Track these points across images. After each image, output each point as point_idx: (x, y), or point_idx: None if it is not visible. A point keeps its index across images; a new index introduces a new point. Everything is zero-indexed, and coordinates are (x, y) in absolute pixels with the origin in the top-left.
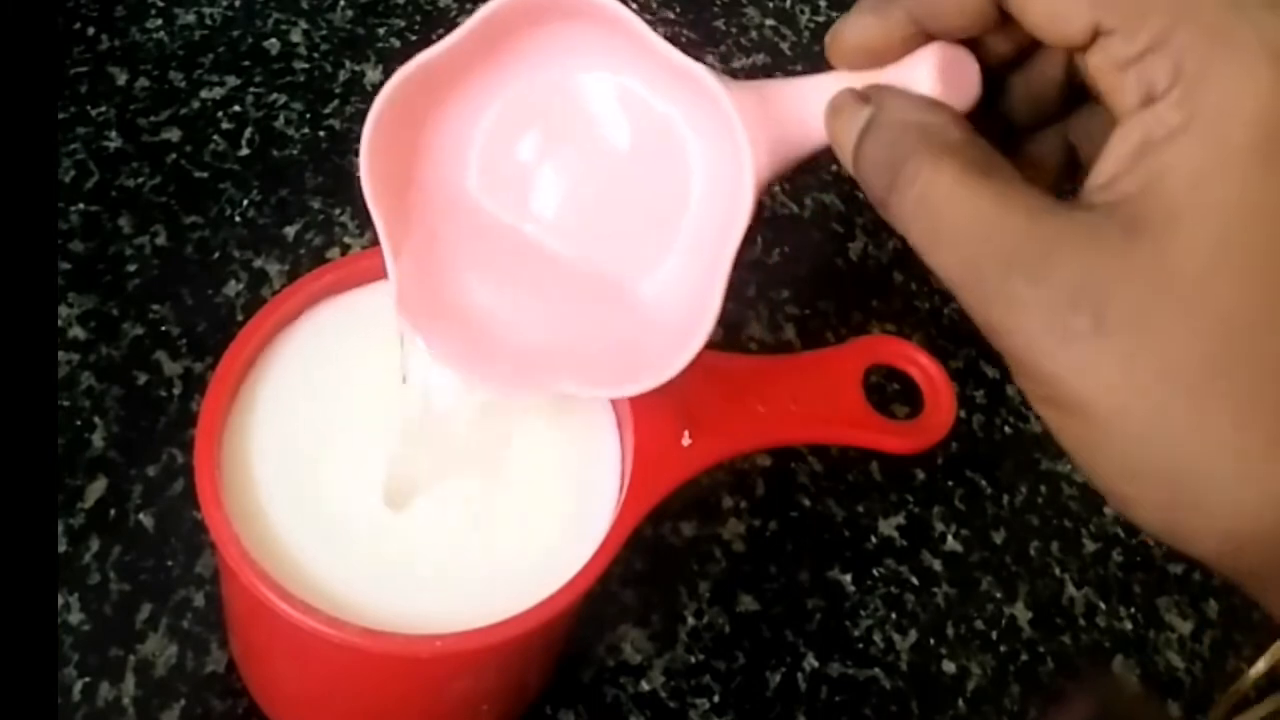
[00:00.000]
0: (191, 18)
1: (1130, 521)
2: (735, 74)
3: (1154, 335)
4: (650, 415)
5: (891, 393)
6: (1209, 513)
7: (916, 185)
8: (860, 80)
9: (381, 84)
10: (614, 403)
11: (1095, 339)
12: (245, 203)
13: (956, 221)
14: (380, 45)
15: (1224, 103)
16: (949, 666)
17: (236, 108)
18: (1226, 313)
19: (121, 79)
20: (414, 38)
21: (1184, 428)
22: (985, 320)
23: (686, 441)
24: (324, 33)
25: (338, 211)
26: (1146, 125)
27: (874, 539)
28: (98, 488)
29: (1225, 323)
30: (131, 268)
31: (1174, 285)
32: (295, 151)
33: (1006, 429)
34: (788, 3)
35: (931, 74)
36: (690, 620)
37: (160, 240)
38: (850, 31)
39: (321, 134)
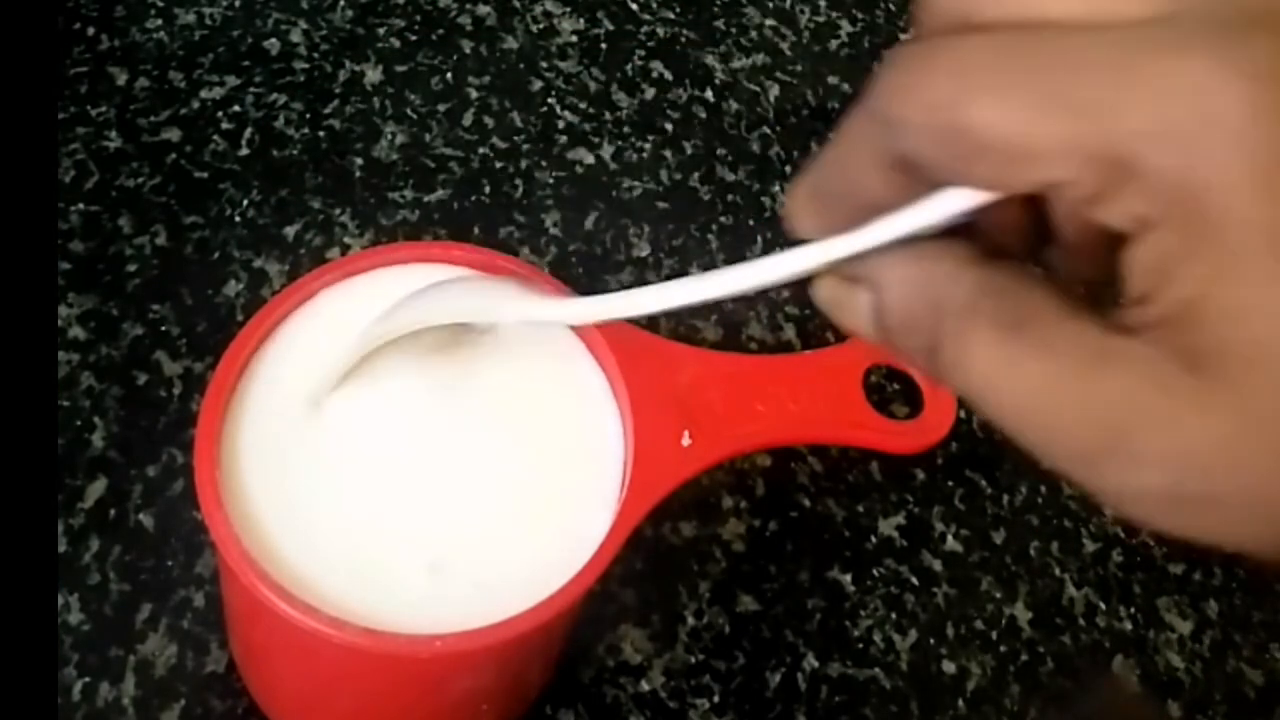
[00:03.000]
0: (191, 18)
1: None
2: (735, 74)
3: (1262, 474)
4: (650, 415)
5: (891, 393)
6: None
7: (956, 373)
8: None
9: (382, 84)
10: (615, 403)
11: (1212, 502)
12: (245, 203)
13: (1014, 407)
14: (380, 45)
15: (1223, 211)
16: (949, 666)
17: (236, 108)
18: None
19: (121, 79)
20: (414, 38)
21: None
22: (1090, 493)
23: (686, 441)
24: (324, 33)
25: (338, 211)
26: (1156, 248)
27: (874, 539)
28: (98, 488)
29: None
30: (131, 268)
31: (1262, 425)
32: (295, 151)
33: None
34: (788, 3)
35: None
36: (690, 620)
37: (160, 240)
38: (812, 232)
39: (321, 134)
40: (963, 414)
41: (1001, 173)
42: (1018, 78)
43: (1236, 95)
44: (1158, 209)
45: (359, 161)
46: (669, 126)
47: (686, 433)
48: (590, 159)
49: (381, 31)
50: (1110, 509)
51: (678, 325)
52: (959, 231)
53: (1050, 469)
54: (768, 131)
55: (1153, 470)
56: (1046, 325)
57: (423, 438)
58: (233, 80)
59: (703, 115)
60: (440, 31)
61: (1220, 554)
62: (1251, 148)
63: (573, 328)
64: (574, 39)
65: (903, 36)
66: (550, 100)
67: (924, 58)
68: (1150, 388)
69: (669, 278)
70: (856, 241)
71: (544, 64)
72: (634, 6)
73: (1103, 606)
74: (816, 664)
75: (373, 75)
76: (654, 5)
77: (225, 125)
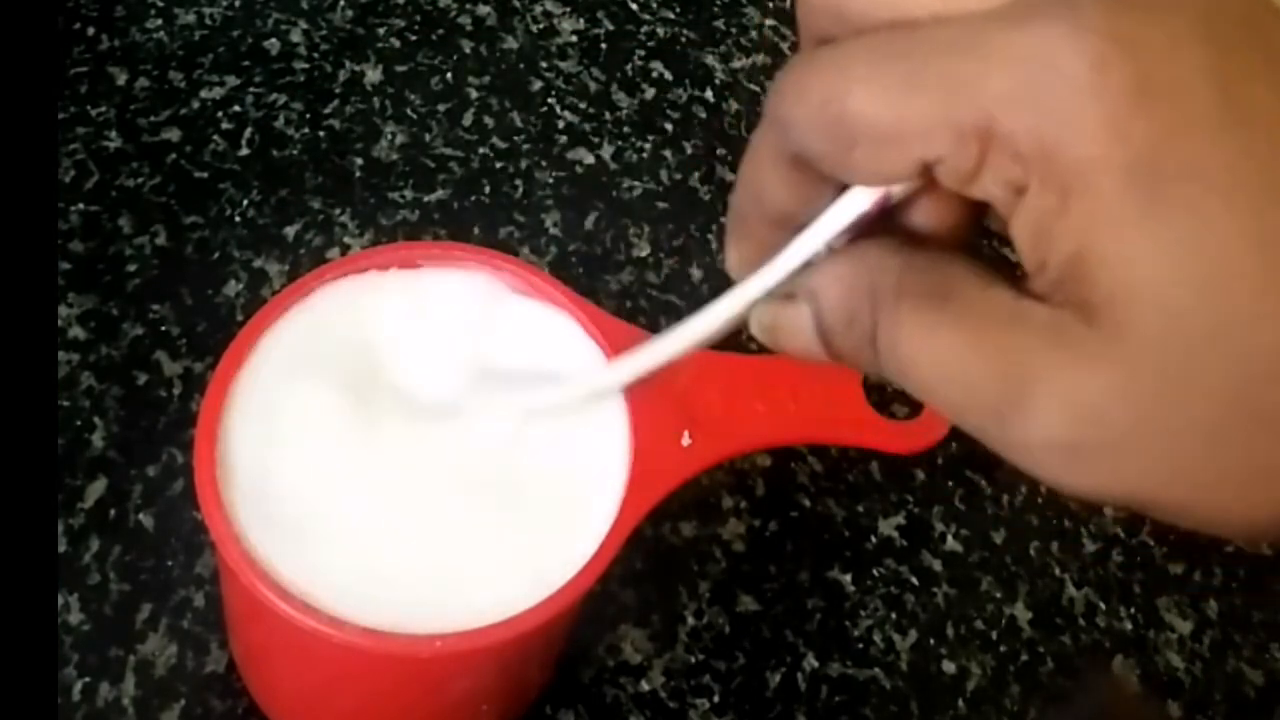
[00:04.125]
0: (191, 18)
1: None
2: (735, 74)
3: (1154, 419)
4: (650, 415)
5: (892, 393)
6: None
7: (890, 356)
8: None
9: (382, 84)
10: (614, 403)
11: (1109, 450)
12: (245, 203)
13: (933, 374)
14: (380, 45)
15: (1081, 160)
16: (949, 666)
17: (236, 108)
18: (1215, 380)
19: (121, 79)
20: (414, 38)
21: (1209, 491)
22: (1003, 454)
23: (686, 441)
24: (324, 33)
25: (338, 211)
26: (1032, 212)
27: (874, 539)
28: (98, 488)
29: (1214, 389)
30: (131, 268)
31: (1152, 371)
32: (295, 151)
33: None
34: (788, 3)
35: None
36: (690, 620)
37: (160, 240)
38: (742, 266)
39: (321, 134)
40: None
41: (881, 156)
42: (886, 66)
43: (1076, 50)
44: (1025, 171)
45: (359, 161)
46: (669, 126)
47: (686, 433)
48: (590, 159)
49: (381, 31)
50: (1023, 467)
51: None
52: (891, 224)
53: (968, 431)
54: None
55: (1052, 421)
56: (966, 296)
57: (423, 437)
58: (233, 80)
59: (703, 115)
60: (440, 31)
61: (1220, 554)
62: (1097, 96)
63: (571, 324)
64: (574, 39)
65: None
66: (550, 100)
67: (808, 62)
68: (1047, 342)
69: (669, 278)
70: (785, 262)
71: (544, 64)
72: (634, 6)
73: (1103, 606)
74: (816, 664)
75: (373, 75)
76: (654, 5)
77: (225, 125)
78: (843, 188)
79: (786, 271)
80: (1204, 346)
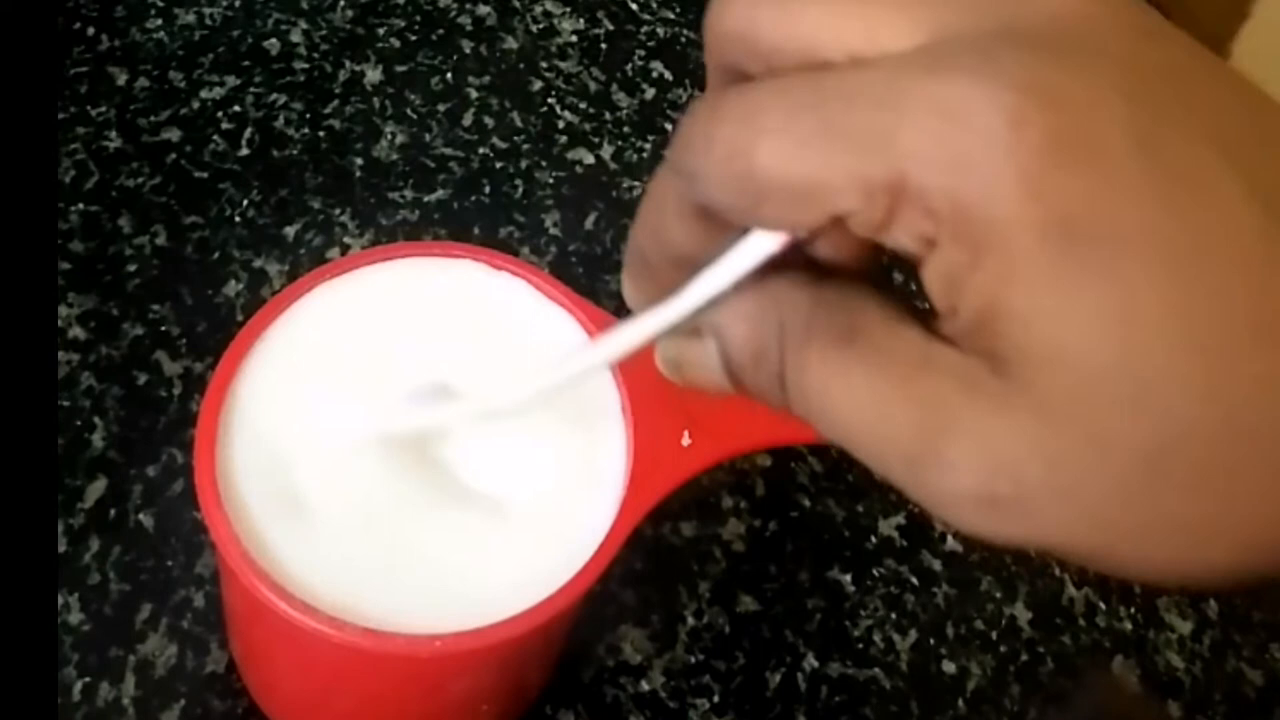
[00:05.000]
0: (191, 18)
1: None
2: None
3: (1070, 473)
4: (650, 415)
5: None
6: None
7: (798, 395)
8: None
9: (382, 84)
10: (614, 402)
11: (1025, 501)
12: (245, 203)
13: (843, 417)
14: (380, 45)
15: (994, 219)
16: (949, 666)
17: (236, 108)
18: (1131, 439)
19: (121, 79)
20: (414, 38)
21: (1131, 535)
22: (917, 501)
23: (686, 441)
24: (324, 33)
25: (338, 211)
26: (942, 264)
27: (874, 539)
28: (98, 488)
29: (1131, 448)
30: (131, 268)
31: (1066, 427)
32: (295, 151)
33: None
34: None
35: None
36: (690, 620)
37: (160, 240)
38: (641, 305)
39: (321, 134)
40: None
41: (791, 211)
42: (797, 117)
43: (994, 107)
44: (937, 227)
45: (359, 161)
46: (669, 126)
47: (686, 432)
48: (590, 159)
49: (381, 31)
50: (937, 515)
51: None
52: (799, 254)
53: (886, 480)
54: None
55: (964, 473)
56: (875, 335)
57: (423, 437)
58: (233, 80)
59: None
60: (440, 31)
61: None
62: (1012, 153)
63: (572, 320)
64: (574, 39)
65: None
66: (550, 100)
67: (713, 108)
68: (960, 391)
69: None
70: (688, 300)
71: (544, 64)
72: (634, 6)
73: (1103, 606)
74: (816, 664)
75: (373, 75)
76: (654, 5)
77: (225, 125)
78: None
79: (688, 310)
80: (1118, 407)
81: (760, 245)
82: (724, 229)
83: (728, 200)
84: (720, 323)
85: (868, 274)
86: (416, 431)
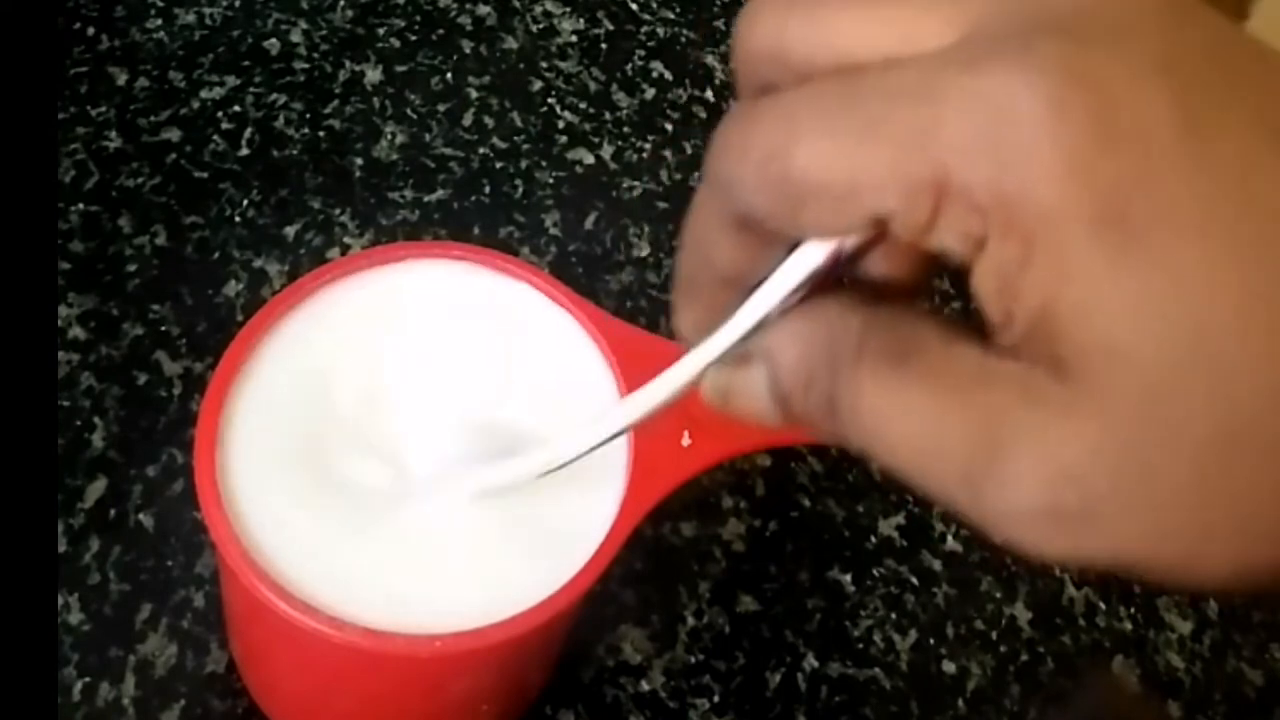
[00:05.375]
0: (191, 18)
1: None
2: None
3: (1139, 476)
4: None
5: None
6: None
7: (852, 420)
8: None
9: (382, 84)
10: (614, 403)
11: (1091, 514)
12: (245, 203)
13: (899, 438)
14: (380, 45)
15: (1044, 209)
16: (949, 666)
17: (236, 108)
18: (1198, 433)
19: (121, 79)
20: (414, 38)
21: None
22: (977, 523)
23: (686, 442)
24: (324, 33)
25: (338, 211)
26: (994, 264)
27: (874, 539)
28: (98, 488)
29: (1198, 443)
30: (131, 268)
31: (1133, 428)
32: (295, 151)
33: None
34: None
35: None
36: (690, 620)
37: (160, 240)
38: (695, 331)
39: (321, 134)
40: None
41: (832, 214)
42: (833, 118)
43: (1033, 95)
44: (985, 223)
45: (359, 161)
46: (669, 126)
47: (686, 433)
48: (590, 159)
49: (381, 31)
50: (999, 536)
51: None
52: (850, 276)
53: (947, 508)
54: None
55: (1027, 487)
56: (930, 354)
57: (426, 438)
58: (233, 80)
59: (703, 115)
60: (440, 31)
61: None
62: (1056, 140)
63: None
64: (574, 39)
65: None
66: (550, 100)
67: (748, 115)
68: (1020, 402)
69: (669, 278)
70: (738, 325)
71: (544, 64)
72: (634, 6)
73: (1103, 606)
74: (816, 664)
75: (373, 75)
76: (654, 5)
77: (225, 125)
78: (794, 243)
79: (740, 334)
80: (1187, 400)
81: (807, 257)
82: (768, 243)
83: (767, 205)
84: (770, 346)
85: (920, 295)
86: (482, 490)
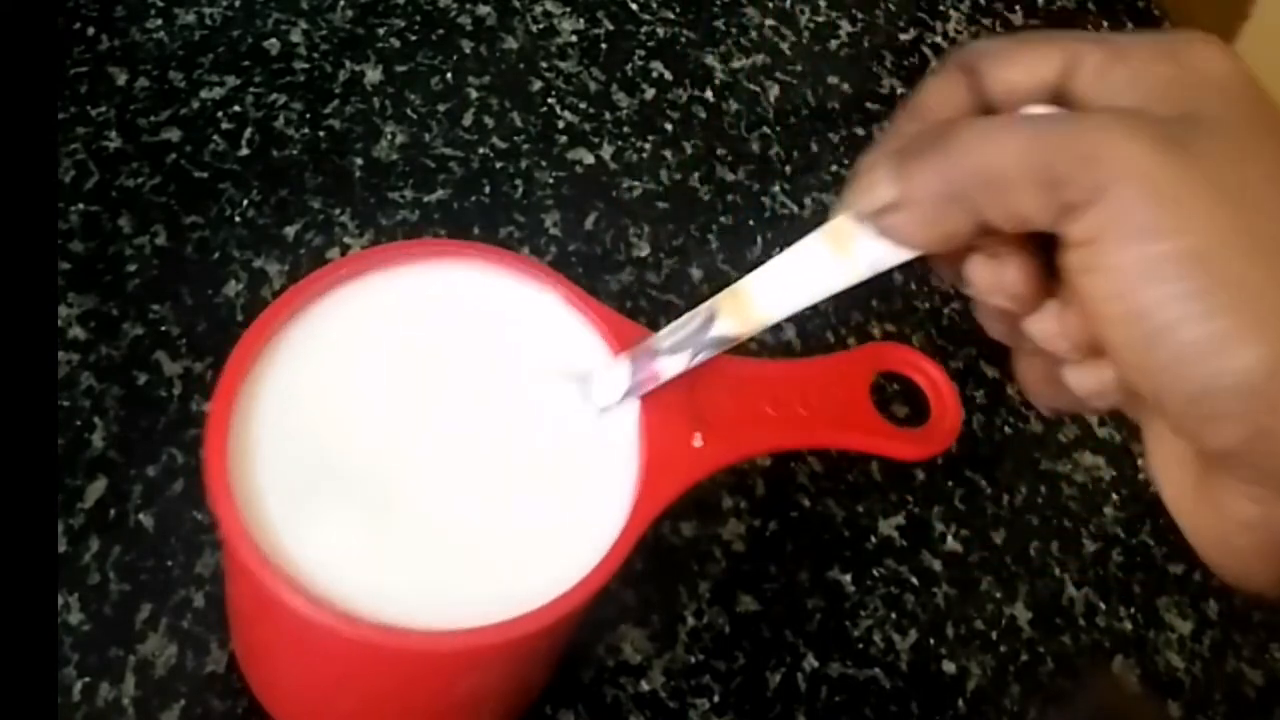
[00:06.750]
0: (191, 18)
1: None
2: (735, 74)
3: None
4: (662, 417)
5: (892, 392)
6: None
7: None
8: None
9: (382, 84)
10: (628, 404)
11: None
12: (245, 203)
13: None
14: (380, 45)
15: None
16: (949, 666)
17: (236, 108)
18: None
19: (121, 79)
20: (414, 38)
21: None
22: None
23: (698, 443)
24: (324, 33)
25: (338, 211)
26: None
27: (874, 539)
28: (98, 488)
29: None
30: (131, 268)
31: None
32: (295, 151)
33: (1006, 429)
34: (788, 3)
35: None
36: (690, 620)
37: (160, 240)
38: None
39: (321, 134)
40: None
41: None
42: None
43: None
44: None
45: (359, 161)
46: (669, 126)
47: (698, 435)
48: (590, 159)
49: (381, 31)
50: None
51: None
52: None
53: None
54: (767, 131)
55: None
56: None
57: (436, 440)
58: (233, 80)
59: (703, 115)
60: (440, 31)
61: None
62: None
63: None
64: (574, 39)
65: (902, 37)
66: (550, 100)
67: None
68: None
69: (669, 278)
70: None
71: (544, 64)
72: (634, 6)
73: (1103, 606)
74: (816, 664)
75: (373, 75)
76: (654, 5)
77: (225, 125)
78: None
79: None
80: None
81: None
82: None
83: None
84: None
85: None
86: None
